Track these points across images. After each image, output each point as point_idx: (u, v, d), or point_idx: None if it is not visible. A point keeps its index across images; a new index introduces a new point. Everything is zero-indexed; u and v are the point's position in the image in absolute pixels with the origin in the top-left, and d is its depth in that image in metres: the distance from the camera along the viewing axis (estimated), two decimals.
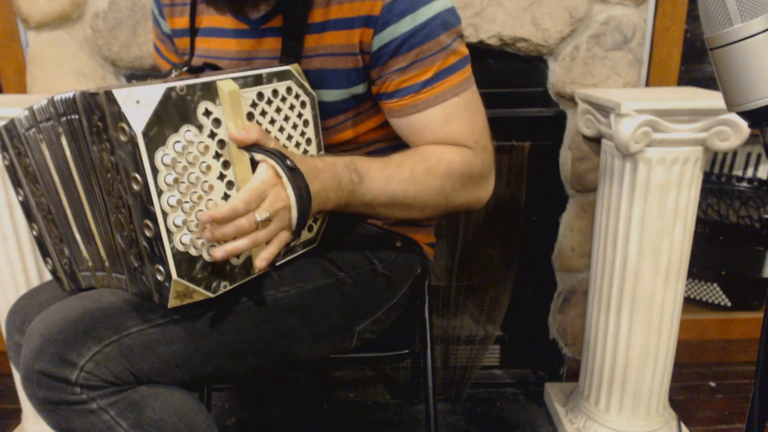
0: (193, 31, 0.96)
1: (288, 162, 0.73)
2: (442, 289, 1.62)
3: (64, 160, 0.75)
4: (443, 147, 0.87)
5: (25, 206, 0.86)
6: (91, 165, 0.72)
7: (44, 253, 0.88)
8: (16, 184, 0.85)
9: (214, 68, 0.93)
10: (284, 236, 0.75)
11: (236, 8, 0.85)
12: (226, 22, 0.92)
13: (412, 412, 1.61)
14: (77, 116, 0.70)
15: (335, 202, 0.80)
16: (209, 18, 0.95)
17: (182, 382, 0.77)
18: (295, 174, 0.73)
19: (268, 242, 0.75)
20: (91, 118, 0.67)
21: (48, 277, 1.32)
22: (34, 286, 1.12)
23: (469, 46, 1.42)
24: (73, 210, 0.79)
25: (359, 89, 0.89)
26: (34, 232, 0.88)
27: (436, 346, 1.64)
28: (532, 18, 1.41)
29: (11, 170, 0.84)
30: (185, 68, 0.93)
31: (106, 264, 0.78)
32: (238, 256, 0.75)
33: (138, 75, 1.48)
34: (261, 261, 0.74)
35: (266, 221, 0.70)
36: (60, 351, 0.69)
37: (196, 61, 0.97)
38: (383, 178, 0.82)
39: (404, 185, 0.84)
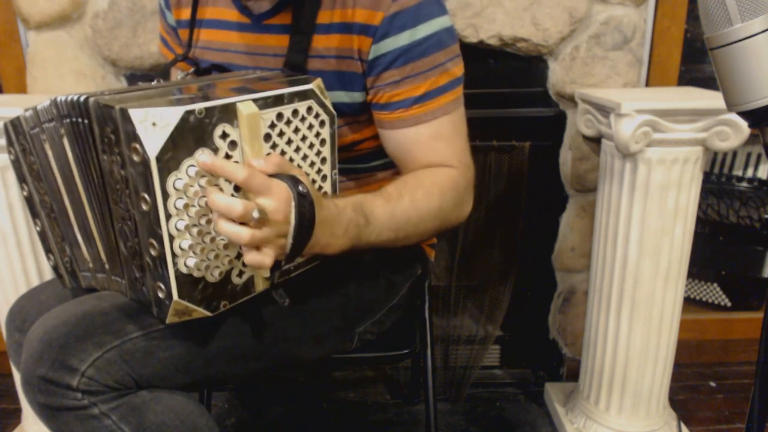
0: (193, 22, 0.96)
1: (300, 188, 0.69)
2: (442, 289, 1.62)
3: (66, 162, 0.75)
4: (432, 170, 0.88)
5: (30, 202, 0.87)
6: (97, 170, 0.71)
7: (47, 249, 0.89)
8: (21, 179, 0.85)
9: (222, 69, 0.93)
10: (272, 252, 0.69)
11: None
12: (230, 15, 0.92)
13: (412, 412, 1.61)
14: (86, 121, 0.69)
15: (339, 248, 0.77)
16: (213, 10, 0.95)
17: (183, 386, 0.77)
18: (303, 199, 0.69)
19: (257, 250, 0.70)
20: (104, 128, 0.66)
21: (48, 276, 1.32)
22: (34, 285, 1.12)
23: (469, 46, 1.44)
24: (75, 211, 0.79)
25: (361, 96, 0.89)
26: (38, 228, 0.88)
27: (436, 346, 1.64)
28: (532, 18, 1.41)
29: (16, 165, 0.85)
30: (192, 70, 0.93)
31: (106, 266, 0.78)
32: (240, 275, 0.74)
33: (138, 75, 1.48)
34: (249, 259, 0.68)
35: (260, 221, 0.66)
36: (61, 356, 0.69)
37: (198, 53, 0.97)
38: (387, 215, 0.82)
39: (407, 215, 0.84)
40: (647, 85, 1.52)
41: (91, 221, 0.77)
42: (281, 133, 0.75)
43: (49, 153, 0.77)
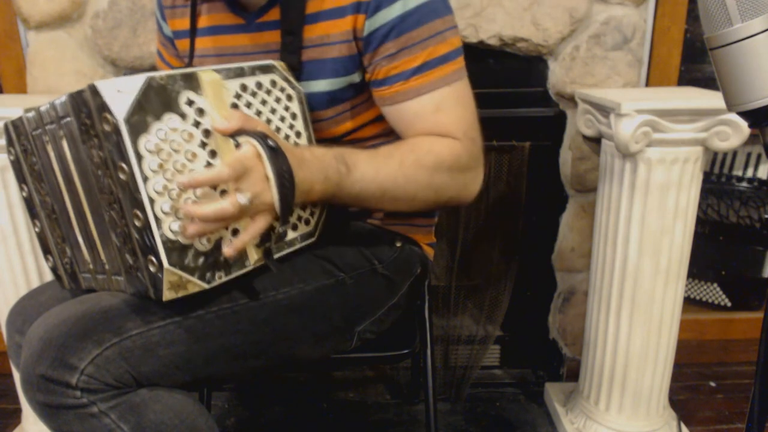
0: (194, 32, 0.96)
1: (269, 142, 0.71)
2: (442, 289, 1.62)
3: (67, 164, 0.76)
4: (432, 138, 0.87)
5: (29, 203, 0.87)
6: (87, 166, 0.72)
7: (45, 250, 0.88)
8: (21, 180, 0.85)
9: None
10: (262, 221, 0.73)
11: None
12: (225, 18, 0.92)
13: (412, 412, 1.61)
14: (71, 118, 0.70)
15: (321, 193, 0.78)
16: (207, 17, 0.95)
17: (183, 384, 0.77)
18: (276, 154, 0.71)
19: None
20: (79, 116, 0.68)
21: (48, 277, 1.32)
22: (34, 286, 1.12)
23: (469, 46, 1.44)
24: (76, 212, 0.79)
25: (356, 77, 0.89)
26: (37, 229, 0.88)
27: (436, 346, 1.65)
28: (532, 18, 1.41)
29: (16, 166, 0.85)
30: None
31: (107, 267, 0.78)
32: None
33: None
34: (230, 249, 0.71)
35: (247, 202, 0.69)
36: (60, 354, 0.69)
37: (197, 62, 0.97)
38: (372, 170, 0.82)
39: (393, 176, 0.83)
40: (647, 85, 1.52)
41: (91, 222, 0.77)
42: (248, 104, 0.78)
43: (51, 154, 0.78)
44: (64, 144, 0.74)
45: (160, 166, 0.67)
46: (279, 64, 0.83)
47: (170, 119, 0.68)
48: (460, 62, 0.88)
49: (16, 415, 1.57)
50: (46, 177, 0.80)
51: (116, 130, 0.64)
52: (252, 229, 0.73)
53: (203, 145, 0.71)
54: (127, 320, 0.74)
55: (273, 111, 0.81)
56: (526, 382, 1.72)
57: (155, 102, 0.67)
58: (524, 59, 1.47)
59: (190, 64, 0.97)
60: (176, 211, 0.68)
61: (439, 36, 0.85)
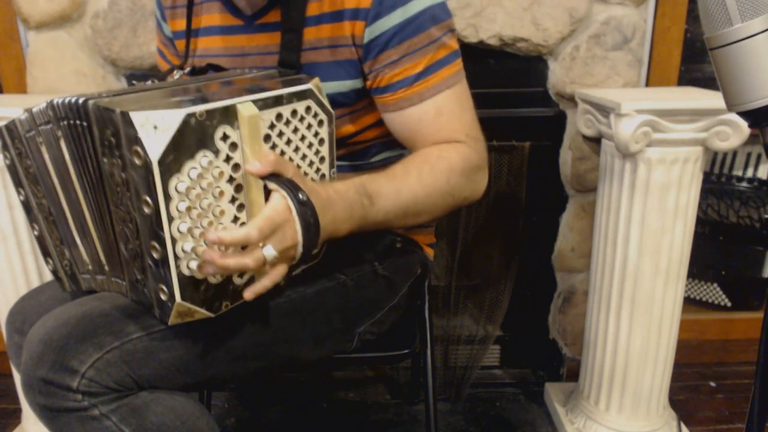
0: (189, 33, 0.96)
1: (300, 195, 0.70)
2: (442, 289, 1.62)
3: (63, 164, 0.75)
4: (439, 146, 0.87)
5: (26, 206, 0.86)
6: (96, 172, 0.71)
7: (45, 252, 0.88)
8: (18, 183, 0.85)
9: (217, 69, 0.93)
10: (281, 270, 0.73)
11: None
12: (224, 19, 0.92)
13: (412, 412, 1.61)
14: (84, 123, 0.69)
15: (347, 232, 0.78)
16: (207, 17, 0.95)
17: (183, 386, 0.77)
18: (305, 208, 0.70)
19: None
20: (104, 131, 0.66)
21: (48, 277, 1.32)
22: (34, 286, 1.12)
23: (469, 46, 1.44)
24: (73, 213, 0.79)
25: (358, 83, 0.89)
26: (35, 232, 0.88)
27: (436, 346, 1.65)
28: (532, 18, 1.41)
29: (12, 170, 0.84)
30: (188, 69, 0.93)
31: (106, 268, 0.78)
32: (241, 276, 0.74)
33: (138, 75, 1.48)
34: (250, 294, 0.71)
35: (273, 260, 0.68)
36: (61, 358, 0.69)
37: (197, 62, 0.97)
38: (393, 193, 0.82)
39: (414, 192, 0.84)
40: (647, 85, 1.52)
41: (90, 222, 0.77)
42: (280, 134, 0.75)
43: (46, 156, 0.77)
44: (62, 144, 0.73)
45: (188, 208, 0.65)
46: (315, 86, 0.80)
47: (203, 157, 0.65)
48: (458, 64, 0.89)
49: (16, 415, 1.57)
50: (42, 179, 0.80)
51: (147, 168, 0.61)
52: (272, 277, 0.72)
53: (231, 179, 0.69)
54: (128, 323, 0.74)
55: (302, 138, 0.79)
56: (526, 382, 1.72)
57: (191, 140, 0.64)
58: (524, 59, 1.47)
59: (184, 64, 0.97)
60: (196, 250, 0.66)
61: (438, 41, 0.85)
